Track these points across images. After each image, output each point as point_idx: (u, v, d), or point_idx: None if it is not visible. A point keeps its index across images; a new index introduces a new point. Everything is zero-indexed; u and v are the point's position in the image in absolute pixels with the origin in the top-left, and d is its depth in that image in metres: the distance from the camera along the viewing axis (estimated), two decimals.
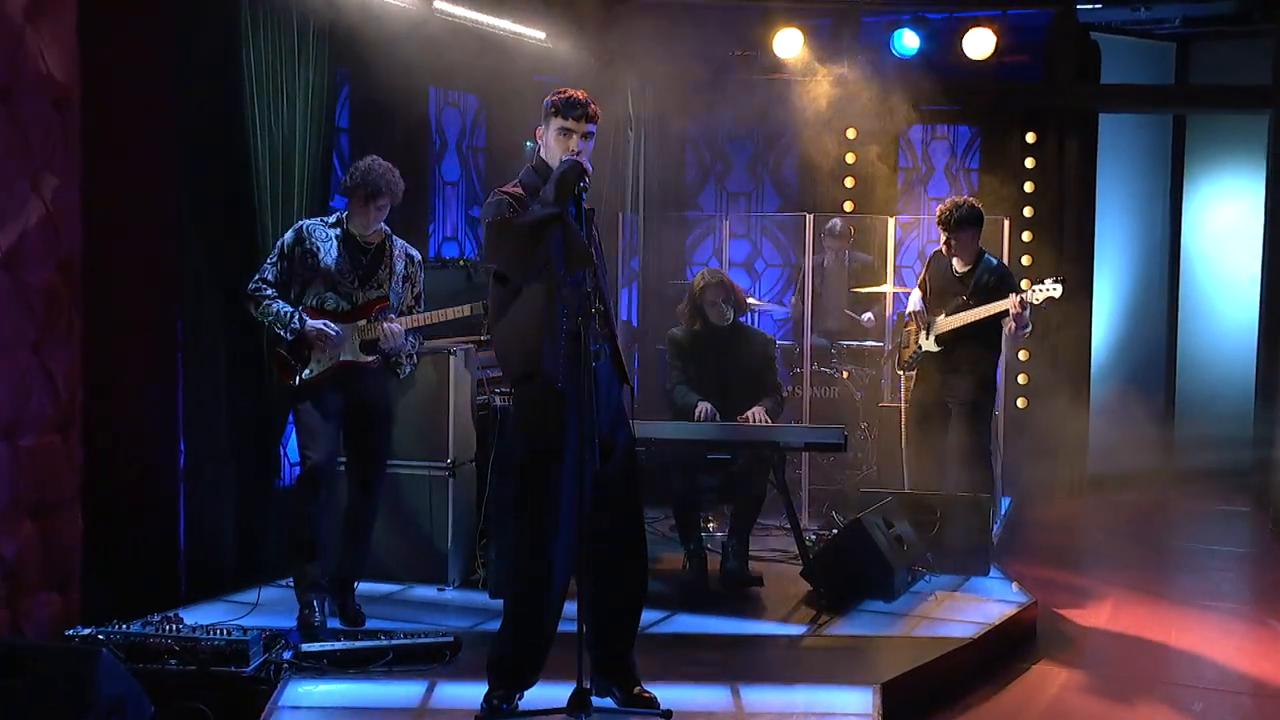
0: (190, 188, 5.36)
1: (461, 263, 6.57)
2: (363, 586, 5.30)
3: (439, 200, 7.53)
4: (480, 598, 5.52)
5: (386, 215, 5.07)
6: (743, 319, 6.15)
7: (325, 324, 4.94)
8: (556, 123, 3.98)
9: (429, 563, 5.70)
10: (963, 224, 6.13)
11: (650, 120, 8.14)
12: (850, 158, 8.67)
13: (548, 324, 3.88)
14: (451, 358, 5.70)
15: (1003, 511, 7.52)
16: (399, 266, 5.10)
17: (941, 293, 6.29)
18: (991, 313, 6.06)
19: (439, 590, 5.65)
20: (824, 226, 8.12)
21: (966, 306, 6.15)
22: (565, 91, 4.02)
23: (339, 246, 5.01)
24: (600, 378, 3.92)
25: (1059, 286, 6.01)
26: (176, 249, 5.32)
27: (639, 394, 8.02)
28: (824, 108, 7.92)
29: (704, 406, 5.78)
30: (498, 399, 5.71)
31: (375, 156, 5.06)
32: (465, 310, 5.16)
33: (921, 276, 6.54)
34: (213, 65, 5.41)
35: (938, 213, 6.23)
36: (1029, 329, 6.21)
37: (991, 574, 6.02)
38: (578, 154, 3.92)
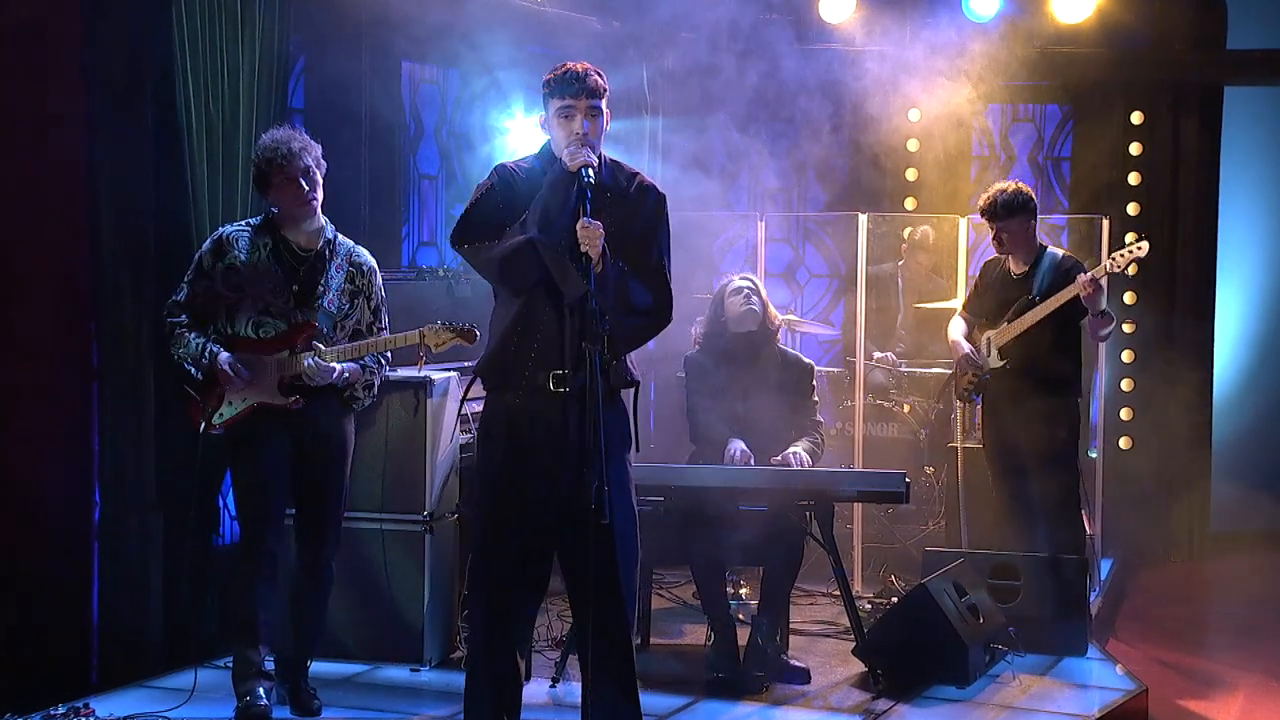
0: (108, 181, 5.36)
1: (441, 272, 6.58)
2: (318, 667, 5.27)
3: (414, 197, 7.55)
4: (463, 679, 5.45)
5: (322, 195, 4.95)
6: (783, 340, 6.14)
7: (232, 361, 4.86)
8: (554, 104, 4.14)
9: (400, 637, 5.68)
10: (1011, 211, 6.15)
11: (670, 99, 8.14)
12: (913, 145, 8.67)
13: (513, 330, 4.09)
14: (429, 388, 5.68)
15: (1102, 577, 7.46)
16: (337, 278, 5.02)
17: (1003, 303, 6.30)
18: (1057, 305, 6.05)
19: (413, 671, 5.64)
20: (913, 235, 8.12)
21: (1032, 306, 6.14)
22: (560, 67, 4.17)
23: (267, 256, 4.94)
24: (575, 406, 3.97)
25: (1144, 244, 6.04)
26: (91, 256, 5.33)
27: (653, 429, 8.06)
28: (881, 84, 7.91)
29: (736, 445, 5.76)
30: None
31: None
32: (402, 340, 4.99)
33: (970, 294, 6.58)
34: (135, 29, 5.41)
35: (980, 203, 6.28)
36: (1110, 324, 6.18)
37: (1090, 654, 6.00)
38: (583, 135, 4.07)
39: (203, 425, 4.92)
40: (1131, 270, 6.14)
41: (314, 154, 4.92)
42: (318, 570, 5.12)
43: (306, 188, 4.88)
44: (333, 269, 5.01)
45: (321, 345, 4.93)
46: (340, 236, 5.10)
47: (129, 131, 5.42)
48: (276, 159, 4.84)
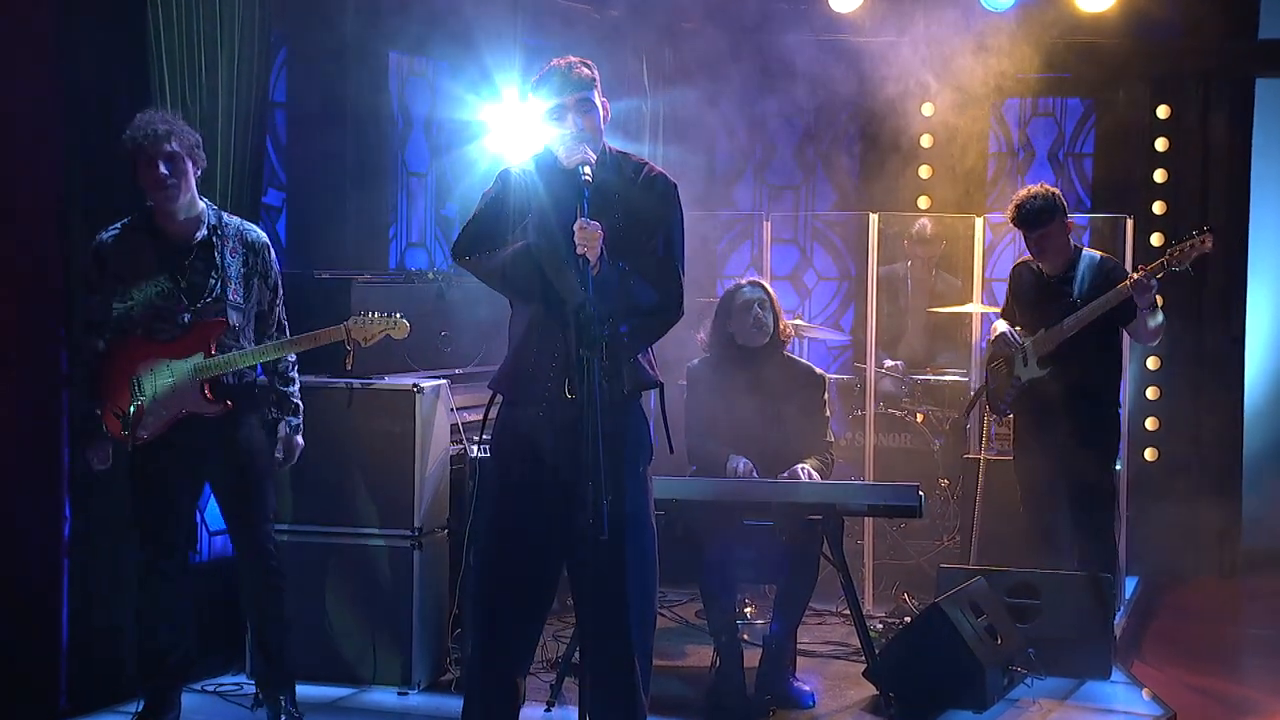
0: (80, 177, 5.34)
1: (432, 275, 6.55)
2: (303, 690, 5.26)
3: (402, 195, 7.53)
4: (454, 704, 5.38)
5: (196, 180, 4.87)
6: (790, 349, 6.12)
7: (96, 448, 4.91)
8: (544, 106, 4.16)
9: (388, 658, 5.69)
10: (1044, 216, 6.12)
11: (671, 94, 8.14)
12: (926, 141, 8.67)
13: (528, 339, 4.11)
14: (418, 396, 5.66)
15: (1127, 596, 7.46)
16: (234, 264, 4.92)
17: (1037, 308, 6.28)
18: (1107, 309, 6.04)
19: (400, 694, 5.64)
20: (910, 230, 8.11)
21: (1074, 309, 6.13)
22: (543, 68, 4.21)
23: (146, 253, 4.83)
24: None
25: (1207, 236, 5.95)
26: (61, 256, 5.30)
27: (652, 438, 8.01)
28: (892, 77, 7.91)
29: (739, 462, 5.73)
30: (475, 448, 5.67)
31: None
32: (326, 336, 4.99)
33: (1007, 299, 6.57)
34: (109, 19, 5.40)
35: (1008, 212, 6.25)
36: (1160, 321, 6.11)
37: (1114, 677, 5.99)
38: (578, 132, 4.08)
39: (125, 435, 4.86)
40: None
41: (184, 142, 4.80)
42: (264, 575, 5.07)
43: (166, 173, 4.75)
44: (226, 256, 4.91)
45: (234, 342, 4.88)
46: (226, 217, 4.99)
47: (102, 125, 5.39)
48: (139, 138, 4.75)
